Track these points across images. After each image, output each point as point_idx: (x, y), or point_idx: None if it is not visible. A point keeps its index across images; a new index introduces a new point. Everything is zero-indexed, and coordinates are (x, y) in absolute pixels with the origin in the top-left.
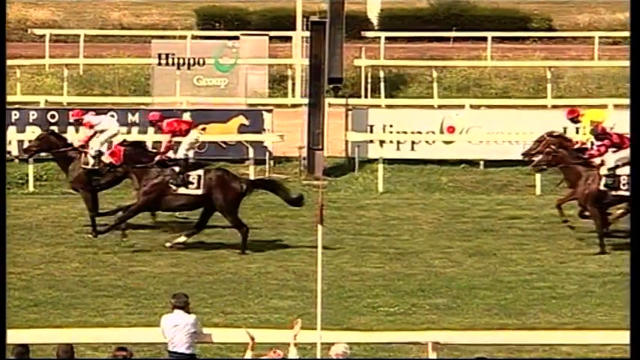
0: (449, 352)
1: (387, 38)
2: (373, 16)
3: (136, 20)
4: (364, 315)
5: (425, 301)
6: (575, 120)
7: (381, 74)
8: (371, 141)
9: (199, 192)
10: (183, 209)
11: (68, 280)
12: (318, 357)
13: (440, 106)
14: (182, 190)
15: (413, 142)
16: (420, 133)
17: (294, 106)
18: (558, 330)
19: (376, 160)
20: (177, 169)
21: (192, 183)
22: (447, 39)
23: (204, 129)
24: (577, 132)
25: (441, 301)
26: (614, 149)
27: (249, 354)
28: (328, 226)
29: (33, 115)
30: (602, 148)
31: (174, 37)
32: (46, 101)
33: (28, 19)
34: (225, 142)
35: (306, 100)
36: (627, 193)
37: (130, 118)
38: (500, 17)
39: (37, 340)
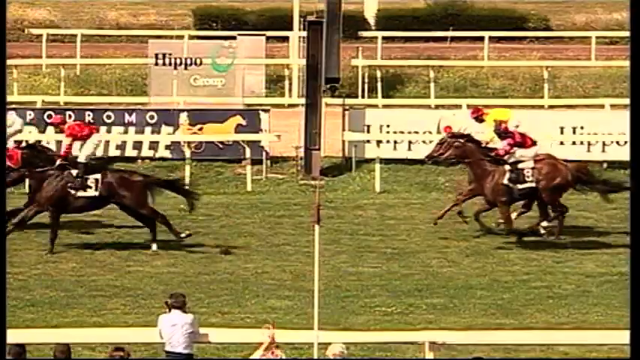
0: (446, 351)
1: (384, 38)
2: (370, 16)
3: (133, 20)
4: (361, 315)
5: (422, 300)
6: (479, 119)
7: (378, 74)
8: (368, 141)
9: (96, 194)
10: (83, 211)
11: (65, 280)
12: (315, 357)
13: (437, 106)
14: (81, 193)
15: (410, 142)
16: (417, 133)
17: (291, 106)
18: (555, 330)
19: (373, 159)
20: (75, 172)
21: (90, 187)
22: (444, 39)
23: (200, 129)
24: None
25: (438, 300)
26: (517, 147)
27: (257, 353)
28: (325, 225)
29: (30, 115)
30: (508, 147)
31: (171, 37)
32: (43, 101)
33: (25, 19)
34: (222, 142)
35: (303, 100)
36: (533, 185)
37: (127, 118)
38: (498, 17)
39: (34, 340)
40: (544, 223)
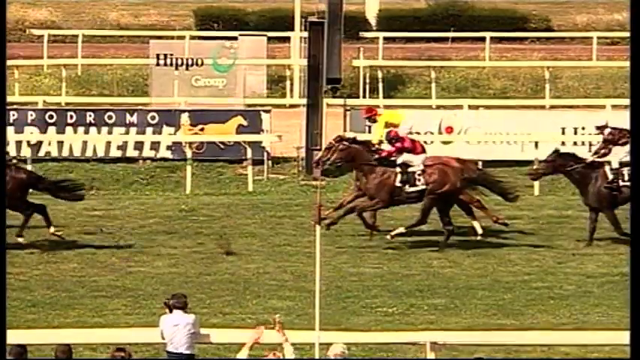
0: (447, 352)
1: (385, 38)
2: (371, 17)
3: (134, 20)
4: (362, 315)
5: (423, 301)
6: (371, 119)
7: (380, 74)
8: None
9: None
10: None
11: (66, 281)
12: (317, 357)
13: (438, 107)
14: None
15: None
16: (418, 133)
17: (292, 106)
18: (556, 330)
19: None
20: None
21: None
22: (445, 39)
23: (202, 129)
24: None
25: (439, 301)
26: (405, 152)
27: (244, 353)
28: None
29: (31, 115)
30: (393, 149)
31: (172, 38)
32: (44, 102)
33: (26, 19)
34: (223, 143)
35: (304, 101)
36: (423, 187)
37: (129, 118)
38: (499, 17)
39: (35, 341)
40: (400, 229)
